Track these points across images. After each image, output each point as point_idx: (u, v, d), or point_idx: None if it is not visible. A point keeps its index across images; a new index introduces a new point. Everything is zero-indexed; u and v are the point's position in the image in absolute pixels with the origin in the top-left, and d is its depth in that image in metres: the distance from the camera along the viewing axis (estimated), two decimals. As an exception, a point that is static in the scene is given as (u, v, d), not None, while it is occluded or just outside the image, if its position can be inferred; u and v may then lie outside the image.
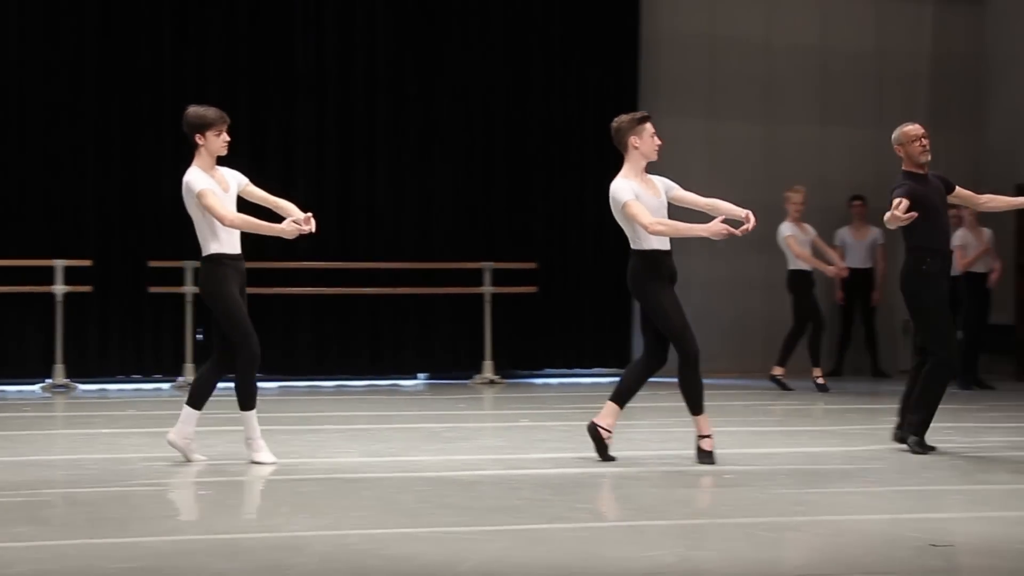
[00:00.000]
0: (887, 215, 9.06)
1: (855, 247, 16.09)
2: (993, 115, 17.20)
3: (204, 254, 8.52)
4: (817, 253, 14.36)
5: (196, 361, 13.90)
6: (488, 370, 15.00)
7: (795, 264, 14.09)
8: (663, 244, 8.69)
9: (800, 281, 14.06)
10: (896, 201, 9.02)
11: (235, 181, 8.66)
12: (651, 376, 8.81)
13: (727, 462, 8.71)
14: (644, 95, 16.06)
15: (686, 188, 9.12)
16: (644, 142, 8.72)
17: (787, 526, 6.68)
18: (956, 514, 7.06)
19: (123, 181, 14.38)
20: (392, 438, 10.00)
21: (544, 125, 15.80)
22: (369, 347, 15.18)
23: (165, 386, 14.12)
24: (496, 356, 15.09)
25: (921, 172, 9.36)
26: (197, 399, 8.63)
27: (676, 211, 9.00)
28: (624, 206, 8.57)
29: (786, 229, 14.07)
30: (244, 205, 8.78)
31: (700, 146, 16.38)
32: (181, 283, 14.11)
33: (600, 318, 15.89)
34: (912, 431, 9.28)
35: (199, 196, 8.39)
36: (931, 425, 9.27)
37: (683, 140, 16.35)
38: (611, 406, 8.75)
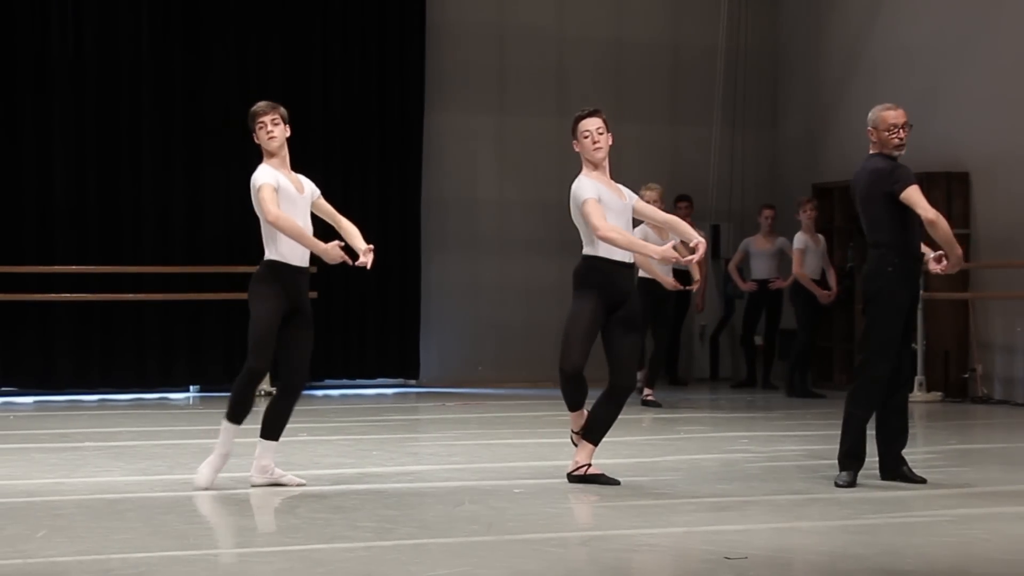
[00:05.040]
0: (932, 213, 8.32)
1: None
2: (789, 112, 17.73)
3: None
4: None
5: None
6: (265, 381, 14.90)
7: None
8: (615, 254, 8.38)
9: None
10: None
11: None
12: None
13: (518, 476, 8.84)
14: (431, 89, 16.16)
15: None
16: (579, 144, 8.53)
17: (577, 541, 6.81)
18: (750, 525, 7.28)
19: None
20: (160, 455, 9.90)
21: (325, 120, 15.74)
22: (135, 358, 14.95)
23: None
24: (274, 366, 14.95)
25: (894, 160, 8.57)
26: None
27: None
28: (584, 203, 8.36)
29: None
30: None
31: (490, 141, 16.53)
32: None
33: (384, 325, 15.91)
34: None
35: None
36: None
37: (472, 135, 16.50)
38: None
